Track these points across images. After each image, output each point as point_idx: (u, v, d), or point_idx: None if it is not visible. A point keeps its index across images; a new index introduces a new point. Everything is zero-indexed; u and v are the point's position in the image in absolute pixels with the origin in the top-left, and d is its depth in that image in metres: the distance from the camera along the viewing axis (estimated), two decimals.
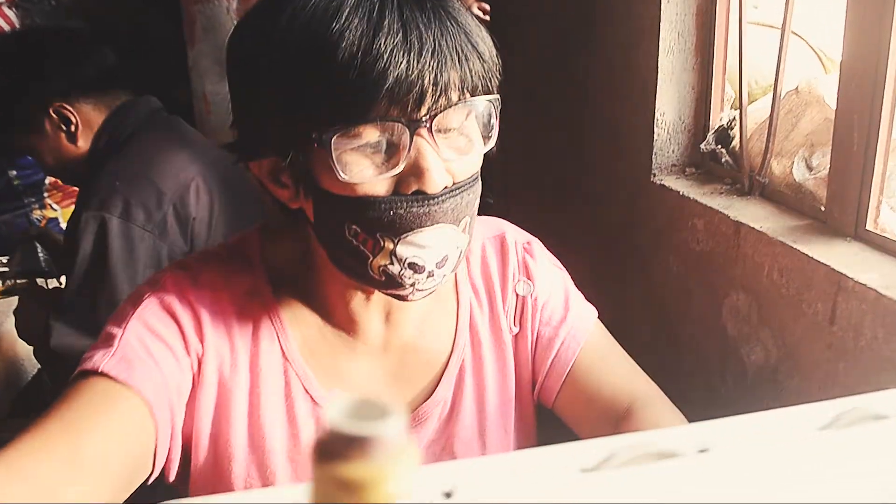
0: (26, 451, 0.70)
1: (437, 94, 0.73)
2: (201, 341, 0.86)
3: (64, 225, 2.54)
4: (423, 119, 0.74)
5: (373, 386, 0.94)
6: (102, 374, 0.78)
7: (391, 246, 0.77)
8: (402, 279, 0.79)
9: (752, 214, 1.21)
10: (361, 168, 0.75)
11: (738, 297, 1.21)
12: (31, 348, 1.96)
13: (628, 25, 1.46)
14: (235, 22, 2.79)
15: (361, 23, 0.72)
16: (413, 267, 0.79)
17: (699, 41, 1.40)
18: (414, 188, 0.75)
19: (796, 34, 1.50)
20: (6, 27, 2.76)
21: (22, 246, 1.86)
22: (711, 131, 1.40)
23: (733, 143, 1.38)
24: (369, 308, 0.91)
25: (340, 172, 0.74)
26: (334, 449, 0.27)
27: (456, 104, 0.75)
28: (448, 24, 0.75)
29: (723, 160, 1.37)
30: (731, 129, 1.38)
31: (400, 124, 0.73)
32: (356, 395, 0.96)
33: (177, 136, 1.61)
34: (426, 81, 0.72)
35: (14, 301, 2.06)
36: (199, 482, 0.91)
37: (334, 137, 0.73)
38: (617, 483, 0.36)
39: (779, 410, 0.43)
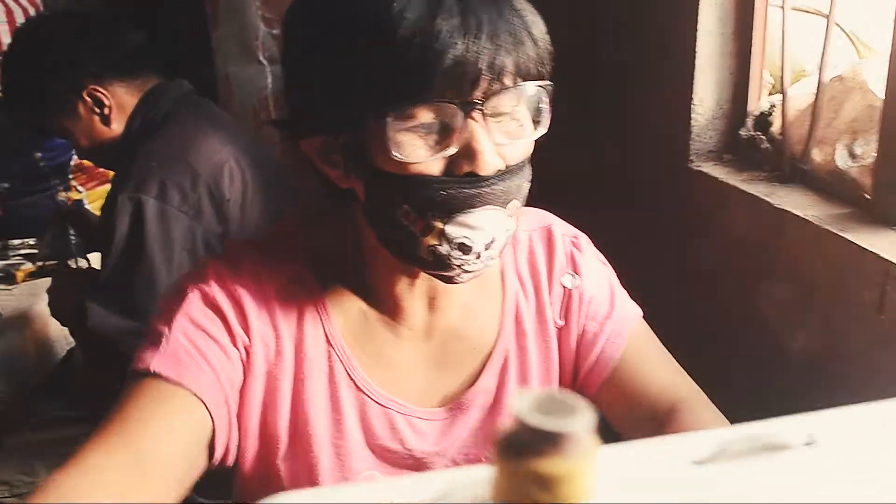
0: (94, 460, 0.71)
1: (493, 77, 0.74)
2: (247, 332, 0.86)
3: (89, 207, 2.55)
4: (477, 102, 0.74)
5: (416, 371, 0.94)
6: (155, 375, 0.79)
7: (441, 226, 0.77)
8: (450, 260, 0.79)
9: (796, 202, 1.20)
10: (415, 148, 0.75)
11: (780, 285, 1.20)
12: (65, 327, 1.98)
13: (666, 8, 1.45)
14: (258, 4, 2.78)
15: (421, 4, 0.72)
16: (462, 248, 0.79)
17: (738, 26, 1.39)
18: (466, 170, 0.76)
19: (819, 13, 1.48)
20: (31, 10, 2.76)
21: (53, 227, 1.87)
22: (751, 117, 1.39)
23: (772, 129, 1.37)
24: (414, 293, 0.91)
25: (395, 151, 0.74)
26: (527, 444, 0.27)
27: (510, 88, 0.76)
28: (505, 8, 0.75)
29: (762, 146, 1.36)
30: (771, 115, 1.37)
31: (454, 106, 0.74)
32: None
33: (209, 119, 1.61)
34: (482, 65, 0.72)
35: (46, 281, 2.08)
36: (246, 467, 0.91)
37: (390, 117, 0.73)
38: (729, 475, 0.36)
39: (885, 402, 0.43)
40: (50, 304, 1.62)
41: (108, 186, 2.82)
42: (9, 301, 1.97)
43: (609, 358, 0.97)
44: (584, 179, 1.76)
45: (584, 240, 1.03)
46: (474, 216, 0.77)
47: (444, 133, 0.75)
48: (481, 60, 0.72)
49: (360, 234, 0.89)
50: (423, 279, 0.90)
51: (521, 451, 0.27)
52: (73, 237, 1.86)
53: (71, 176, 2.65)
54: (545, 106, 0.80)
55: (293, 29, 0.82)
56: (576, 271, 0.99)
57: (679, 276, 1.48)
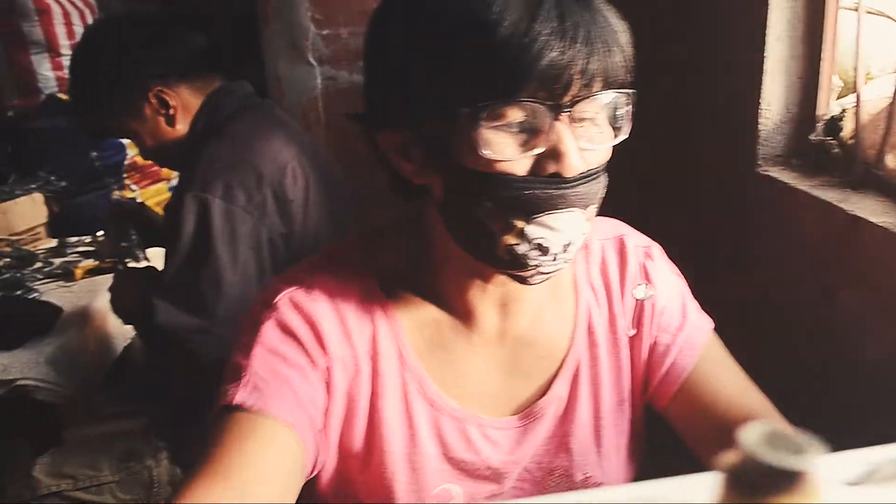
0: (201, 497, 0.73)
1: (583, 82, 0.74)
2: (325, 354, 0.87)
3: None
4: (566, 105, 0.75)
5: (488, 378, 0.94)
6: (241, 408, 0.80)
7: (522, 225, 0.78)
8: (527, 260, 0.80)
9: (870, 208, 1.18)
10: (503, 146, 0.76)
11: (852, 293, 1.19)
12: (121, 324, 2.01)
13: (734, 12, 1.44)
14: (308, 5, 2.80)
15: (521, 5, 0.73)
16: (540, 248, 0.79)
17: (808, 29, 1.37)
18: (551, 170, 0.76)
19: (889, 17, 1.45)
20: (87, 11, 2.82)
21: (113, 224, 1.90)
22: (820, 122, 1.37)
23: (842, 133, 1.35)
24: (486, 298, 0.91)
25: (484, 149, 0.75)
26: (761, 481, 0.26)
27: (597, 94, 0.76)
28: (598, 14, 0.76)
29: (833, 151, 1.34)
30: (842, 119, 1.35)
31: (545, 107, 0.74)
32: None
33: (272, 120, 1.63)
34: (575, 69, 0.73)
35: (104, 279, 2.11)
36: (323, 482, 0.92)
37: (482, 114, 0.74)
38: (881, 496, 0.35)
39: None
40: (112, 302, 1.65)
41: (160, 185, 2.87)
42: (69, 298, 2.00)
43: (681, 370, 0.97)
44: (646, 185, 1.75)
45: (656, 250, 1.02)
46: (555, 217, 0.78)
47: (530, 133, 0.76)
48: (575, 65, 0.73)
49: (433, 238, 0.89)
50: (496, 284, 0.90)
51: (755, 487, 0.27)
52: (132, 235, 1.89)
53: (125, 175, 2.69)
54: (627, 113, 0.81)
55: (383, 21, 0.83)
56: (648, 281, 0.99)
57: (746, 282, 1.46)
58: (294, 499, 0.80)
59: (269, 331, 0.86)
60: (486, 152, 0.75)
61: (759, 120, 1.39)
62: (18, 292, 2.01)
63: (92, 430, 1.99)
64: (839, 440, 1.06)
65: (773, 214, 1.37)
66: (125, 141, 2.68)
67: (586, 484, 0.96)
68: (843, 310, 1.21)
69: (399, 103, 0.81)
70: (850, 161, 1.30)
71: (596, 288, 0.98)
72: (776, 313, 1.39)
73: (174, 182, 2.91)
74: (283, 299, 0.88)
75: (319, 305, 0.88)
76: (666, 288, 1.00)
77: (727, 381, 0.97)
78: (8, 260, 2.18)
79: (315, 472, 0.88)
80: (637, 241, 1.02)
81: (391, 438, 0.89)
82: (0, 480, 1.69)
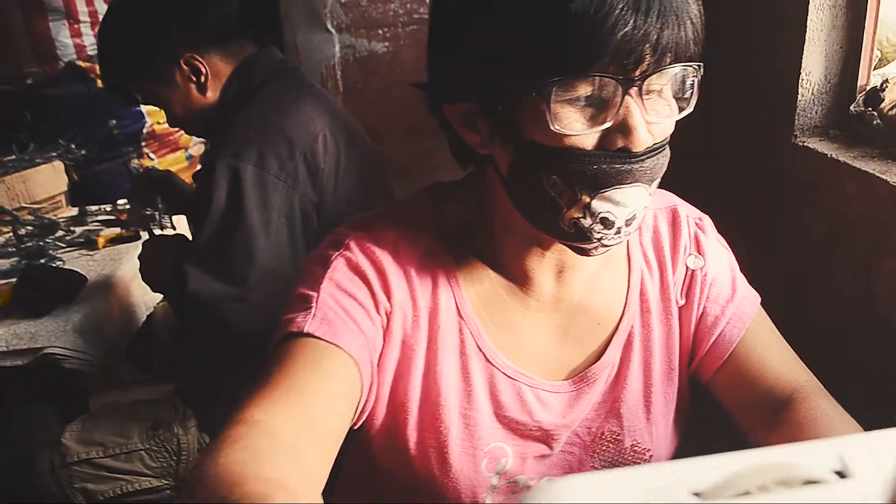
0: (264, 415, 0.72)
1: (654, 56, 0.74)
2: (389, 299, 0.88)
3: None
4: (637, 79, 0.74)
5: (543, 342, 0.95)
6: (309, 336, 0.81)
7: (587, 199, 0.78)
8: (590, 233, 0.80)
9: None
10: (572, 120, 0.75)
11: (894, 264, 1.18)
12: (143, 293, 2.01)
13: None
14: None
15: None
16: (604, 222, 0.79)
17: None
18: (620, 145, 0.76)
19: None
20: None
21: (141, 192, 1.89)
22: (861, 92, 1.36)
23: (883, 105, 1.33)
24: (543, 264, 0.92)
25: (553, 122, 0.74)
26: None
27: (667, 68, 0.76)
28: None
29: (874, 122, 1.32)
30: (883, 90, 1.33)
31: (615, 81, 0.74)
32: (529, 349, 0.97)
33: (303, 88, 1.61)
34: (648, 43, 0.73)
35: (127, 247, 2.11)
36: (373, 434, 0.93)
37: (554, 88, 0.73)
38: None
39: None
40: (142, 270, 1.64)
41: (178, 154, 2.86)
42: (92, 266, 2.00)
43: (728, 342, 0.97)
44: (680, 155, 1.72)
45: (707, 222, 1.03)
46: (621, 192, 0.78)
47: (600, 107, 0.76)
48: (647, 39, 0.72)
49: (493, 205, 0.90)
50: (554, 251, 0.90)
51: None
52: (159, 202, 1.89)
53: (143, 143, 2.68)
54: (694, 86, 0.80)
55: None
56: (700, 253, 1.00)
57: (784, 254, 1.45)
58: (344, 434, 0.80)
59: (338, 267, 0.87)
60: (557, 127, 0.75)
61: (799, 90, 1.37)
62: (42, 261, 2.01)
63: (118, 398, 2.01)
64: (881, 413, 1.06)
65: (813, 186, 1.36)
66: (144, 109, 2.67)
67: (635, 451, 0.97)
68: (885, 282, 1.20)
69: (468, 75, 0.80)
70: (892, 132, 1.28)
71: (648, 257, 0.99)
72: (815, 285, 1.38)
73: (192, 151, 2.90)
74: (353, 241, 0.89)
75: (386, 252, 0.89)
76: (717, 259, 1.00)
77: (774, 354, 0.98)
78: (30, 228, 2.18)
79: (363, 418, 0.89)
80: (689, 212, 1.02)
81: (446, 392, 0.90)
82: (29, 448, 1.70)
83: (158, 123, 2.69)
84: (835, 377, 0.97)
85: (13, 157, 2.34)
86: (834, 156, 1.30)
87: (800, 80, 1.37)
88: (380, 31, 2.84)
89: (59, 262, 2.00)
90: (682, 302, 0.99)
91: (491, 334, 0.92)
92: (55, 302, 1.76)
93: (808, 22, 1.34)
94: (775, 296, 1.03)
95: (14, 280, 1.84)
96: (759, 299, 1.01)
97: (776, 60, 1.42)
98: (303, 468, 0.69)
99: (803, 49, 1.35)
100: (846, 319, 1.30)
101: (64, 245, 2.13)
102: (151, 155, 2.69)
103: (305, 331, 0.80)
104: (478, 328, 0.91)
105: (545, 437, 0.94)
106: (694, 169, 1.76)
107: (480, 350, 0.91)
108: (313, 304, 0.83)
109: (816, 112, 1.40)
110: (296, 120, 1.51)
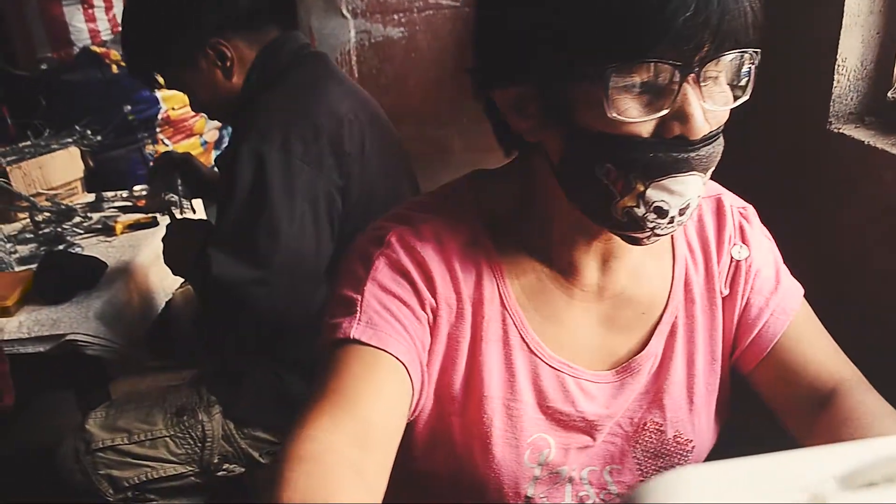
0: (324, 429, 0.73)
1: (714, 42, 0.72)
2: (434, 296, 0.87)
3: None
4: (695, 65, 0.73)
5: (587, 333, 0.94)
6: (356, 342, 0.80)
7: (641, 188, 0.76)
8: (643, 222, 0.79)
9: None
10: (628, 107, 0.74)
11: None
12: (162, 279, 2.00)
13: None
14: None
15: None
16: (658, 211, 0.78)
17: None
18: (677, 132, 0.75)
19: None
20: None
21: (161, 175, 1.87)
22: None
23: None
24: (589, 254, 0.91)
25: (610, 109, 0.73)
26: None
27: (726, 55, 0.74)
28: None
29: None
30: None
31: (674, 68, 0.72)
32: (572, 340, 0.97)
33: (327, 72, 1.60)
34: (708, 29, 0.71)
35: (145, 234, 2.10)
36: (419, 426, 0.92)
37: (610, 74, 0.71)
38: None
39: None
40: (165, 254, 1.63)
41: (193, 140, 2.84)
42: (111, 253, 1.99)
43: (771, 334, 0.96)
44: None
45: (751, 211, 1.02)
46: (676, 181, 0.76)
47: (656, 94, 0.74)
48: (708, 25, 0.70)
49: (540, 193, 0.88)
50: (601, 240, 0.89)
51: None
52: (179, 185, 1.87)
53: (158, 129, 2.67)
54: (751, 72, 0.79)
55: None
56: (744, 243, 0.98)
57: (820, 243, 1.44)
58: (399, 438, 0.80)
59: (381, 266, 0.86)
60: (614, 114, 0.73)
61: (835, 76, 1.35)
62: (61, 247, 2.00)
63: (138, 384, 2.00)
64: None
65: (848, 174, 1.34)
66: (159, 95, 2.65)
67: (677, 441, 0.96)
68: None
69: (520, 59, 0.78)
70: None
71: (693, 246, 0.98)
72: (853, 276, 1.37)
73: (206, 137, 2.88)
74: (394, 237, 0.87)
75: (428, 246, 0.88)
76: (761, 250, 0.99)
77: (817, 347, 0.96)
78: (47, 215, 2.17)
79: (414, 415, 0.88)
80: (733, 202, 1.01)
81: (490, 383, 0.89)
82: (51, 434, 1.69)
83: (173, 109, 2.67)
84: (877, 370, 0.96)
85: (29, 143, 2.33)
86: (871, 143, 1.29)
87: (836, 66, 1.35)
88: (395, 17, 2.82)
89: (77, 249, 1.98)
90: (726, 292, 0.98)
91: (534, 325, 0.91)
92: (76, 288, 1.75)
93: (846, 7, 1.32)
94: (812, 287, 1.02)
95: (34, 266, 1.83)
96: (802, 291, 1.00)
97: (812, 45, 1.40)
98: (366, 483, 0.70)
99: (840, 34, 1.33)
100: (887, 310, 1.29)
101: (81, 231, 2.13)
102: (166, 141, 2.68)
103: (352, 337, 0.80)
104: (521, 319, 0.90)
105: (588, 428, 0.93)
106: (725, 158, 1.74)
107: (524, 341, 0.90)
108: (358, 308, 0.82)
109: (852, 98, 1.38)
110: (321, 104, 1.50)
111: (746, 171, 1.62)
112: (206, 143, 2.85)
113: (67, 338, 1.66)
